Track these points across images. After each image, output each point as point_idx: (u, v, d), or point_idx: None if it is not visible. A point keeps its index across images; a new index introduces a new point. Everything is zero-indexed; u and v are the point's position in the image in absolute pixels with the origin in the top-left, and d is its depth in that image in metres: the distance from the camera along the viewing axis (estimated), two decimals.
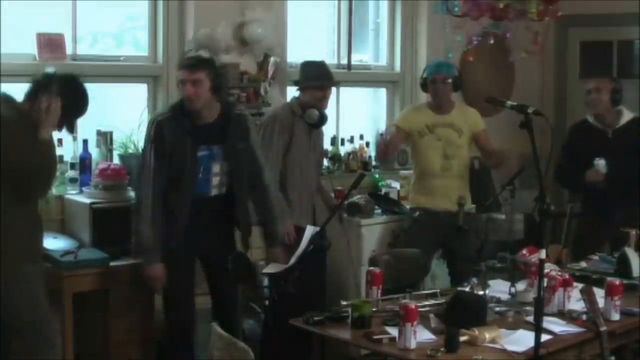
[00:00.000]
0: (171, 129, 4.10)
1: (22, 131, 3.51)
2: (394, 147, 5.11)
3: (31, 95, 3.63)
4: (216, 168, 4.23)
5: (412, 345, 3.20)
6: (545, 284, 3.48)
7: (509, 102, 3.49)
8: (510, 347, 3.25)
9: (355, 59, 6.21)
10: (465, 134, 5.01)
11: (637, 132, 5.22)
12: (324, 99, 4.73)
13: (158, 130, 4.11)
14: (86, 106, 3.81)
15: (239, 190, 4.30)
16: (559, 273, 3.83)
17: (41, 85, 3.64)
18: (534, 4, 4.64)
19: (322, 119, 4.74)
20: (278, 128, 4.64)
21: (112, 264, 4.27)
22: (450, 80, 4.98)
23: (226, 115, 4.26)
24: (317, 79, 4.72)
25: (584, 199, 5.44)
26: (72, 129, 3.86)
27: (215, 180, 4.24)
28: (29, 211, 3.64)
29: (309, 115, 4.67)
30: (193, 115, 4.15)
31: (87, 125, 4.77)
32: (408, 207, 5.26)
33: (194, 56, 4.58)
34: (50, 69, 3.87)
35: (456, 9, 4.77)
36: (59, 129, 3.73)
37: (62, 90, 3.64)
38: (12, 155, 3.44)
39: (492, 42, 5.14)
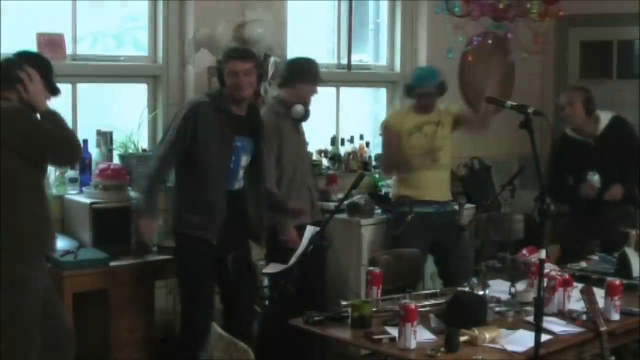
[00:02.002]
0: (207, 115, 4.08)
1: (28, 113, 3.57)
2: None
3: (3, 85, 3.59)
4: (244, 160, 4.24)
5: (412, 345, 3.20)
6: (545, 284, 3.47)
7: (509, 102, 3.48)
8: (510, 347, 3.25)
9: (355, 59, 6.20)
10: (446, 124, 5.07)
11: (619, 132, 5.13)
12: (313, 95, 4.71)
13: (193, 111, 4.08)
14: (49, 64, 3.76)
15: (256, 185, 4.29)
16: (559, 273, 3.83)
17: (6, 71, 3.61)
18: (536, 4, 4.61)
19: (307, 113, 4.73)
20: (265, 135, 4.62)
21: (112, 264, 4.28)
22: (435, 91, 5.01)
23: (253, 108, 4.31)
24: (315, 74, 4.71)
25: None
26: (55, 91, 3.76)
27: (241, 173, 4.25)
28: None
29: (295, 111, 4.64)
30: (230, 106, 4.15)
31: (87, 125, 4.79)
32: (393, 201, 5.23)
33: (243, 48, 4.65)
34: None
35: (456, 9, 4.76)
36: (49, 92, 3.70)
37: (25, 60, 3.65)
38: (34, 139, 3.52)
39: (490, 42, 5.13)
